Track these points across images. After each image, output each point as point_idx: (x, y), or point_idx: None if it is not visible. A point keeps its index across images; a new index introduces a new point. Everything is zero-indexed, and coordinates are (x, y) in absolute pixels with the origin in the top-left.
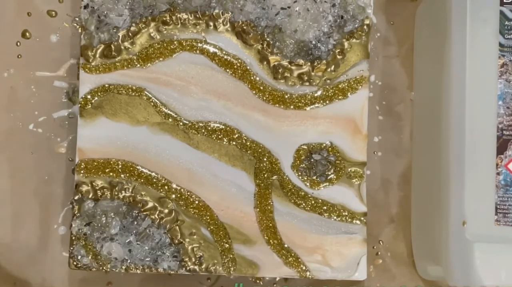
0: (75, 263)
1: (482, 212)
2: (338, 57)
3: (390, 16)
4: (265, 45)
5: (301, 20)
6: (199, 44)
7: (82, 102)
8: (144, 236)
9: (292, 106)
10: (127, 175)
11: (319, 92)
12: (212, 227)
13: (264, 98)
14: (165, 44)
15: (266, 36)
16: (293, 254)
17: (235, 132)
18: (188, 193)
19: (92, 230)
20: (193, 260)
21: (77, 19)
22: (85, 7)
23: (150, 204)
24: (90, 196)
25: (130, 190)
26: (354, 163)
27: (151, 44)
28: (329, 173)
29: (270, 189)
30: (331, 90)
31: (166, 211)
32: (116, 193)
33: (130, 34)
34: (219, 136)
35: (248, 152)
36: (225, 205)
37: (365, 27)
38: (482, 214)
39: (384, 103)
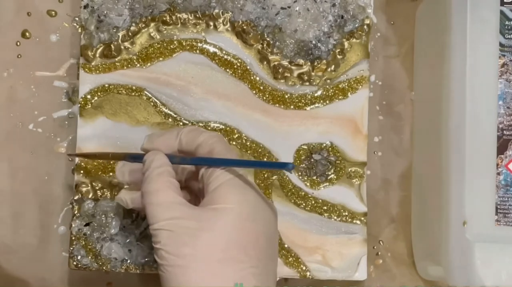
0: (75, 263)
1: (483, 212)
2: (338, 57)
3: (390, 16)
4: (265, 45)
5: (301, 20)
6: (199, 44)
7: (82, 102)
8: (144, 236)
9: (292, 106)
10: None
11: (319, 92)
12: None
13: (264, 98)
14: (165, 44)
15: (266, 36)
16: (293, 254)
17: (235, 132)
18: None
19: (92, 230)
20: None
21: (77, 19)
22: (85, 7)
23: None
24: (90, 196)
25: None
26: (354, 163)
27: (151, 44)
28: (329, 173)
29: (270, 189)
30: (331, 90)
31: None
32: (116, 193)
33: (130, 34)
34: None
35: (248, 152)
36: None
37: (365, 27)
38: (483, 214)
39: (384, 103)
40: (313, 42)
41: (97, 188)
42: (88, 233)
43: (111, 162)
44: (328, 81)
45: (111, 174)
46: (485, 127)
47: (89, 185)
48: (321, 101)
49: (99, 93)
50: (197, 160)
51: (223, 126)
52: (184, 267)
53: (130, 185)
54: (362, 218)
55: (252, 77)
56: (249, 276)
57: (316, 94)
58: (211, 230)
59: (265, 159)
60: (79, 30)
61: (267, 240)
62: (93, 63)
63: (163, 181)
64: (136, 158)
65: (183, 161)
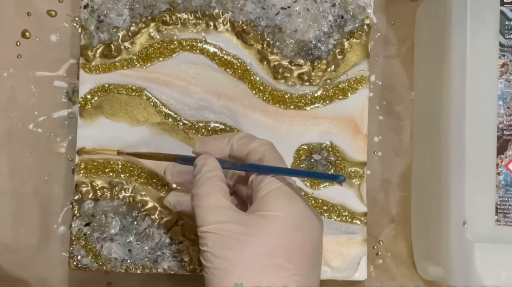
0: (75, 263)
1: (483, 212)
2: (338, 57)
3: (390, 16)
4: (265, 45)
5: (301, 20)
6: (199, 44)
7: (82, 102)
8: (144, 236)
9: (292, 106)
10: (127, 175)
11: (319, 92)
12: None
13: (264, 98)
14: (165, 44)
15: (266, 36)
16: None
17: (235, 132)
18: None
19: (92, 230)
20: (193, 260)
21: (77, 19)
22: (85, 7)
23: (150, 204)
24: (90, 196)
25: (130, 190)
26: (354, 163)
27: (151, 44)
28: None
29: None
30: (331, 90)
31: (167, 211)
32: (116, 193)
33: (130, 34)
34: None
35: None
36: None
37: (365, 27)
38: (483, 214)
39: (384, 103)
40: (313, 42)
41: (97, 188)
42: (88, 233)
43: (112, 162)
44: (328, 81)
45: (111, 174)
46: (485, 127)
47: (89, 185)
48: (321, 101)
49: (99, 93)
50: (247, 166)
51: (223, 126)
52: (228, 271)
53: (179, 187)
54: (362, 218)
55: (252, 77)
56: (292, 284)
57: (316, 94)
58: (257, 236)
59: None
60: (79, 30)
61: (312, 249)
62: (93, 63)
63: (214, 184)
64: (187, 160)
65: (234, 166)
